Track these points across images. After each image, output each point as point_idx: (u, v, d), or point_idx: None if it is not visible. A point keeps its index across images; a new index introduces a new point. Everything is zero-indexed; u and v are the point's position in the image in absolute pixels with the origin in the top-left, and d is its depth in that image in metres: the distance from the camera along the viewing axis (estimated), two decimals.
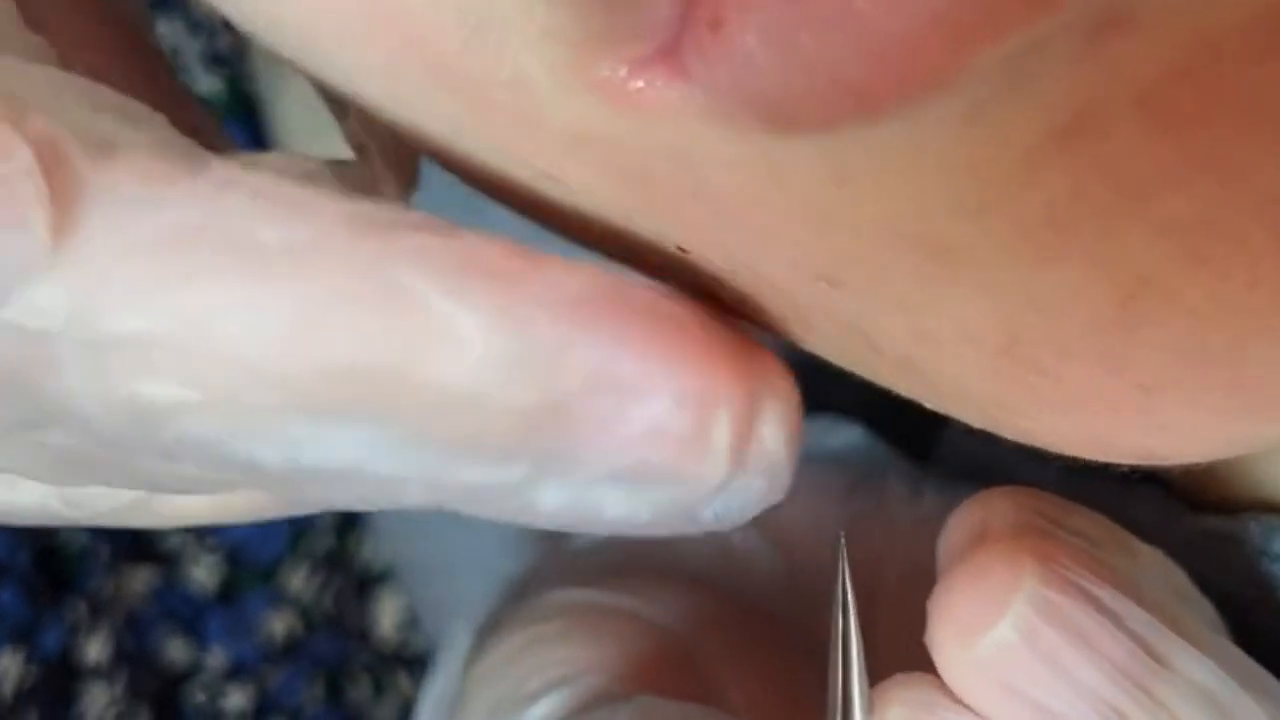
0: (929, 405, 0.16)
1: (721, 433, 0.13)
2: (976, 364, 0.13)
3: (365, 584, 0.37)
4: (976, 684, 0.16)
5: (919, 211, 0.12)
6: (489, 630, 0.22)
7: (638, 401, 0.13)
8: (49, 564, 0.30)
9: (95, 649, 0.30)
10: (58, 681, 0.29)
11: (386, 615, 0.37)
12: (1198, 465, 0.15)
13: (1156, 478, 0.17)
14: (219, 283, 0.12)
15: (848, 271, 0.13)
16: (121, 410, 0.12)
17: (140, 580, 0.33)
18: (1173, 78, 0.10)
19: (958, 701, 0.16)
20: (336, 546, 0.36)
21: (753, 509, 0.15)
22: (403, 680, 0.37)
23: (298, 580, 0.35)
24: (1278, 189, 0.11)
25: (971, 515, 0.16)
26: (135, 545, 0.33)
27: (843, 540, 0.16)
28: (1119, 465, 0.16)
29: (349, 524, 0.37)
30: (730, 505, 0.14)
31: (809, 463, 0.18)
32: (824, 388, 0.17)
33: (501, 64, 0.12)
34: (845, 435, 0.25)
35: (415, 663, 0.38)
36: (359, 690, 0.36)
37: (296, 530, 0.35)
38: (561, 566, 0.23)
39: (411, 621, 0.38)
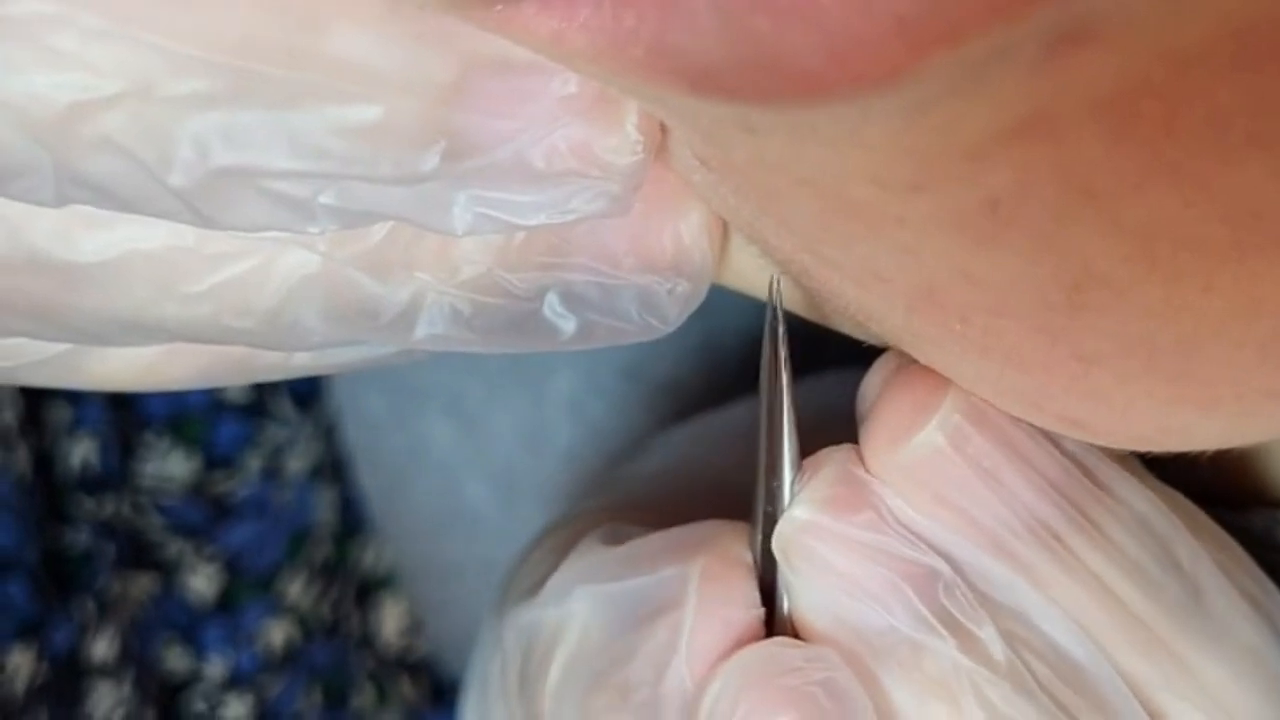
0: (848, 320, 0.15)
1: (631, 116, 0.13)
2: (888, 299, 0.13)
3: (367, 590, 0.37)
4: (907, 490, 0.15)
5: (834, 172, 0.12)
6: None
7: (547, 78, 0.12)
8: (54, 566, 0.30)
9: (102, 648, 0.30)
10: (67, 679, 0.29)
11: (389, 621, 0.37)
12: (1201, 459, 0.15)
13: (1160, 469, 0.17)
14: None
15: (747, 200, 0.13)
16: (23, 113, 0.12)
17: (140, 588, 0.33)
18: (1136, 89, 0.10)
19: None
20: (335, 554, 0.36)
21: (673, 308, 0.15)
22: (405, 686, 0.37)
23: (296, 588, 0.35)
24: (1239, 198, 0.11)
25: (894, 357, 0.16)
26: (135, 552, 0.32)
27: (776, 283, 0.16)
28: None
29: (349, 531, 0.36)
30: (649, 294, 0.14)
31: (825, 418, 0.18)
32: (821, 344, 0.17)
33: None
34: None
35: (418, 668, 0.37)
36: (362, 698, 0.36)
37: (295, 538, 0.35)
38: (601, 488, 0.24)
39: (414, 627, 0.37)
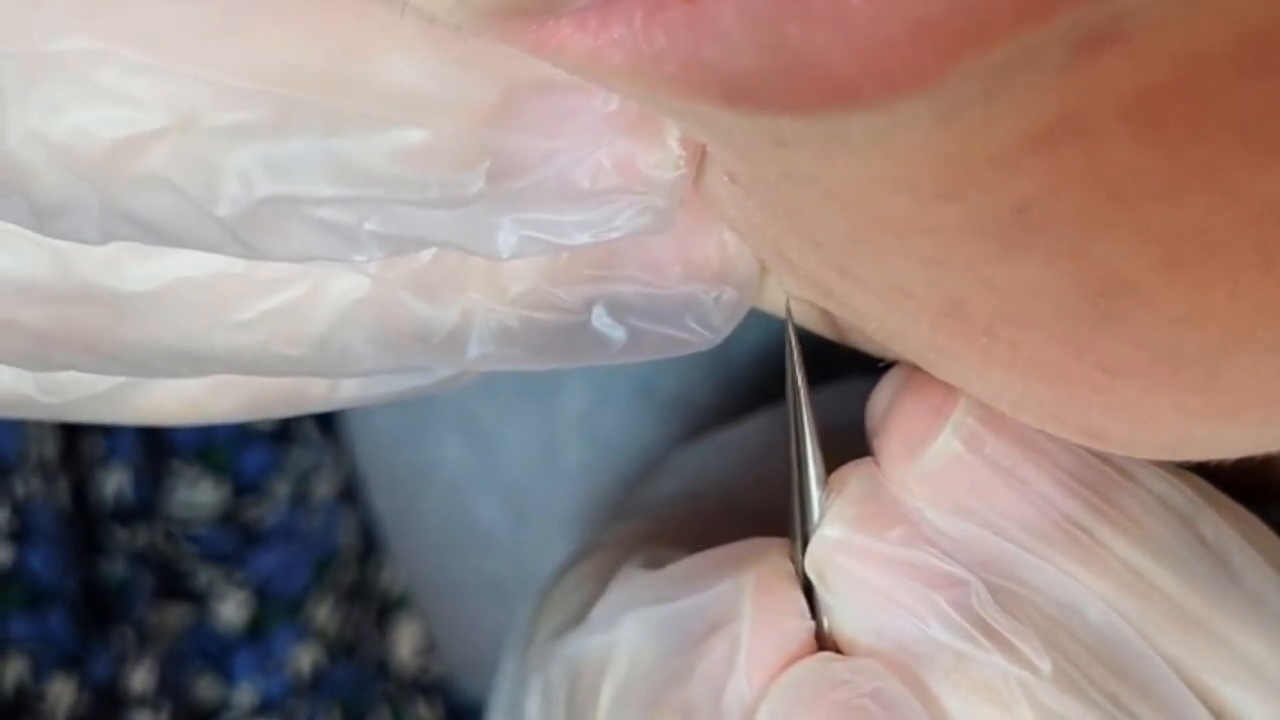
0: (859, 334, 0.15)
1: (673, 130, 0.13)
2: (913, 315, 0.13)
3: (384, 611, 0.37)
4: (929, 498, 0.15)
5: (864, 183, 0.12)
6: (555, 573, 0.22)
7: (588, 96, 0.12)
8: (91, 597, 0.30)
9: (141, 678, 0.30)
10: (107, 710, 0.29)
11: (404, 641, 0.37)
12: (1225, 461, 0.14)
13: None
14: None
15: (774, 217, 0.13)
16: (69, 151, 0.11)
17: (175, 618, 0.33)
18: (1162, 92, 0.10)
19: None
20: (359, 576, 0.36)
21: (720, 316, 0.14)
22: (421, 708, 0.37)
23: (323, 612, 0.35)
24: (1264, 203, 0.10)
25: (903, 368, 0.16)
26: (168, 581, 0.33)
27: (789, 309, 0.16)
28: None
29: (368, 551, 0.37)
30: (696, 303, 0.14)
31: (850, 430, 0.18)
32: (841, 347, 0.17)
33: None
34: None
35: (433, 690, 0.37)
36: (379, 719, 0.36)
37: (322, 561, 0.35)
38: (624, 511, 0.23)
39: (429, 647, 0.37)
